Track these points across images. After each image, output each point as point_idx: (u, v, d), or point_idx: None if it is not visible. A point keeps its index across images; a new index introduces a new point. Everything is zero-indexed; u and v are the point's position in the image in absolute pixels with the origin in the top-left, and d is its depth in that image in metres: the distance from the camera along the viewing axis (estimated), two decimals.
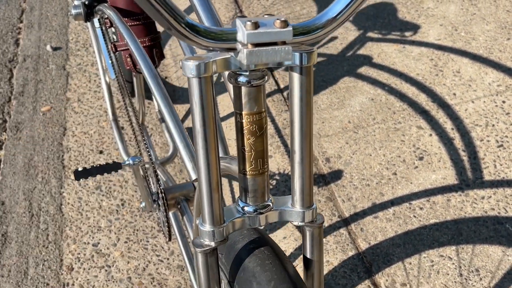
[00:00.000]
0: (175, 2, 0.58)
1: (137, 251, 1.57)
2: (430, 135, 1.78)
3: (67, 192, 1.77)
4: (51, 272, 1.54)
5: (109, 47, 1.37)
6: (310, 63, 0.61)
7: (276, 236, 1.53)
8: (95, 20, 1.67)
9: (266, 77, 0.62)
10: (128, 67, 1.34)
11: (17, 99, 2.17)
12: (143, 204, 1.36)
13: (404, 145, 1.76)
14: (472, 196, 1.58)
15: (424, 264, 1.43)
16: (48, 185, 1.80)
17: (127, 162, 1.23)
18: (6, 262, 1.57)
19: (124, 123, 2.00)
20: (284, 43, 0.57)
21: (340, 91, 1.99)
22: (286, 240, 1.51)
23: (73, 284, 1.50)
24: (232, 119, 1.93)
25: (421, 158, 1.71)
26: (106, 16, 1.32)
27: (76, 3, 1.39)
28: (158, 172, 1.50)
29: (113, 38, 1.71)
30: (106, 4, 1.31)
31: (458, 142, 1.75)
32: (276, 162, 1.73)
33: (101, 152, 1.90)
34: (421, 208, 1.56)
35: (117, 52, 1.31)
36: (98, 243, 1.60)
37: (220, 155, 0.75)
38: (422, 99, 1.92)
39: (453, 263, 1.42)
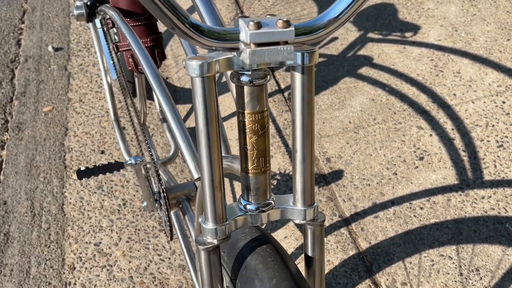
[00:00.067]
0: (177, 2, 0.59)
1: (138, 251, 1.58)
2: (431, 135, 1.79)
3: (69, 192, 1.77)
4: (53, 272, 1.54)
5: (111, 47, 1.37)
6: (312, 62, 0.61)
7: (277, 236, 1.54)
8: (97, 21, 1.67)
9: (268, 76, 0.63)
10: (130, 68, 1.34)
11: (19, 99, 2.18)
12: (145, 203, 1.37)
13: (405, 145, 1.76)
14: (472, 196, 1.59)
15: (425, 263, 1.43)
16: (50, 185, 1.80)
17: (129, 162, 1.24)
18: (8, 262, 1.58)
19: (125, 123, 2.00)
20: (286, 43, 0.58)
21: (341, 92, 1.99)
22: (287, 239, 1.52)
23: (75, 284, 1.51)
24: (233, 119, 1.94)
25: (421, 158, 1.71)
26: (108, 17, 1.33)
27: (78, 3, 1.39)
28: (160, 172, 1.50)
29: (115, 39, 1.72)
30: (108, 5, 1.31)
31: (458, 142, 1.76)
32: (277, 162, 1.74)
33: (102, 152, 1.90)
34: (421, 208, 1.56)
35: (118, 53, 1.32)
36: (100, 242, 1.61)
37: (222, 154, 0.75)
38: (422, 99, 1.92)
39: (453, 263, 1.43)
